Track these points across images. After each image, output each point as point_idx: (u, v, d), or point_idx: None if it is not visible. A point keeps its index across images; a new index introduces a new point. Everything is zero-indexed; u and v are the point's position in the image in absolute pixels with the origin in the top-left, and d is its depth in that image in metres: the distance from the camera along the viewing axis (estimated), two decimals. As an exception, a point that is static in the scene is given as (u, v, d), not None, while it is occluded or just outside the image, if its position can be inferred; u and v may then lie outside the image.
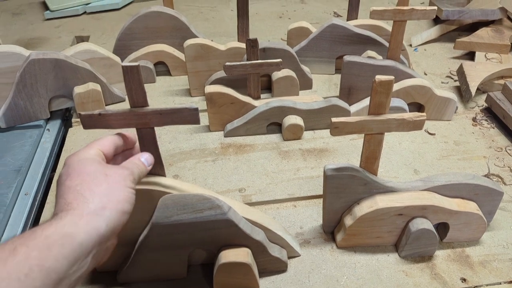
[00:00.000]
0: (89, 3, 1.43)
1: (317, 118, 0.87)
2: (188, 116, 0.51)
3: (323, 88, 1.03)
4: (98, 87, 0.90)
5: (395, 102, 0.86)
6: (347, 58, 0.87)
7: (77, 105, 0.89)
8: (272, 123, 0.87)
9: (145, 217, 0.57)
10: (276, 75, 0.93)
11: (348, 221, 0.63)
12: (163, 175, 0.58)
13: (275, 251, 0.61)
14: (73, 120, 0.95)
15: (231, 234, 0.57)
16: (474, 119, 0.91)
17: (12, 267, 0.35)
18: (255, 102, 0.87)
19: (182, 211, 0.55)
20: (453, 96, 0.88)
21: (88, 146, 0.50)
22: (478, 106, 0.95)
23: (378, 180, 0.62)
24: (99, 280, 0.62)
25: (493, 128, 0.89)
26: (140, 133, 0.53)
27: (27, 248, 0.36)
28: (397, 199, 0.61)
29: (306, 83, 0.99)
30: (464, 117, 0.92)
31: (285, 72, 0.93)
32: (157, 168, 0.57)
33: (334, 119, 0.56)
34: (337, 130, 0.57)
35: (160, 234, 0.56)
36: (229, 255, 0.57)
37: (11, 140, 0.87)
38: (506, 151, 0.83)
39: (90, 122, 0.50)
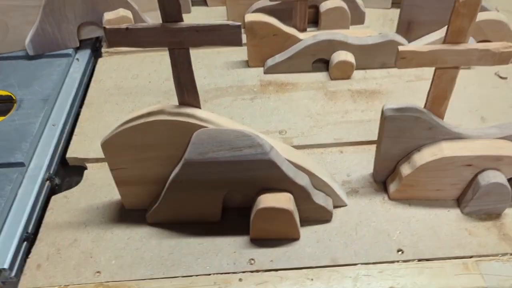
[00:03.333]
0: None
1: (370, 56, 0.77)
2: (228, 35, 0.43)
3: (377, 23, 0.91)
4: (129, 14, 0.83)
5: (463, 39, 0.74)
6: (410, -14, 0.75)
7: (107, 33, 0.83)
8: (319, 60, 0.78)
9: (177, 153, 0.51)
10: (325, 5, 0.82)
11: (405, 170, 0.55)
12: (198, 106, 0.52)
13: (319, 198, 0.54)
14: (103, 50, 0.88)
15: (272, 177, 0.51)
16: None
17: None
18: (300, 35, 0.77)
19: (218, 148, 0.49)
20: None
21: None
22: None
23: (445, 124, 0.53)
24: (127, 218, 0.58)
25: None
26: (173, 55, 0.46)
27: None
28: (467, 147, 0.52)
29: (358, 17, 0.88)
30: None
31: (336, 2, 0.82)
32: (191, 98, 0.50)
33: (401, 48, 0.47)
34: (404, 61, 0.48)
35: (193, 172, 0.51)
36: (269, 200, 0.51)
37: (39, 69, 0.82)
38: None
39: (116, 38, 0.43)
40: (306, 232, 0.55)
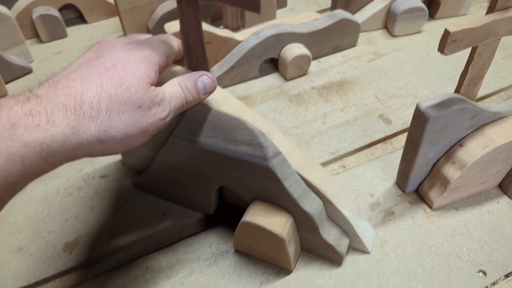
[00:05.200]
0: None
1: (322, 42, 0.64)
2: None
3: (300, 4, 0.79)
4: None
5: (410, 1, 0.67)
6: (345, -48, 0.64)
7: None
8: (263, 61, 0.63)
9: (174, 121, 0.39)
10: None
11: (452, 172, 0.44)
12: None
13: (330, 234, 0.41)
14: None
15: (271, 189, 0.39)
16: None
17: None
18: (237, 36, 0.61)
19: (211, 134, 0.38)
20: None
21: (142, 61, 0.33)
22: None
23: (484, 107, 0.44)
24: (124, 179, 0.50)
25: None
26: (180, 5, 0.34)
27: None
28: (514, 128, 0.44)
29: (279, 0, 0.75)
30: (479, 7, 0.76)
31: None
32: (199, 64, 0.38)
33: (452, 29, 0.35)
34: (455, 44, 0.36)
35: (181, 152, 0.41)
36: (259, 215, 0.39)
37: None
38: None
39: None
40: (304, 267, 0.42)
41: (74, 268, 0.43)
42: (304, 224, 0.40)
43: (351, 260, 0.43)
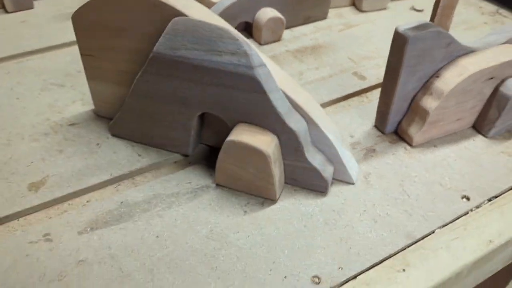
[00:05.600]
0: None
1: (294, 10, 0.66)
2: None
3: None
4: None
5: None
6: None
7: None
8: (237, 26, 0.64)
9: (150, 48, 0.39)
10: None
11: (430, 103, 0.45)
12: None
13: (315, 159, 0.40)
14: None
15: (255, 104, 0.37)
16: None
17: None
18: (212, -2, 0.62)
19: (193, 46, 0.36)
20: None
21: None
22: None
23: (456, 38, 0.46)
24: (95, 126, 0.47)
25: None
26: None
27: None
28: (485, 59, 0.45)
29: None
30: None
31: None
32: None
33: None
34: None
35: (160, 72, 0.39)
36: (242, 133, 0.38)
37: None
38: (499, 14, 0.75)
39: None
40: (290, 195, 0.40)
41: (41, 205, 0.40)
42: (289, 145, 0.39)
43: (336, 191, 0.42)
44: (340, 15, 0.72)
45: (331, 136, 0.41)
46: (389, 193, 0.42)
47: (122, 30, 0.41)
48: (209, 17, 0.39)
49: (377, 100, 0.49)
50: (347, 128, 0.50)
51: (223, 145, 0.39)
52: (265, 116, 0.38)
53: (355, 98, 0.55)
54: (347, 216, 0.40)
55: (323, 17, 0.70)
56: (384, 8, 0.74)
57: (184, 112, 0.41)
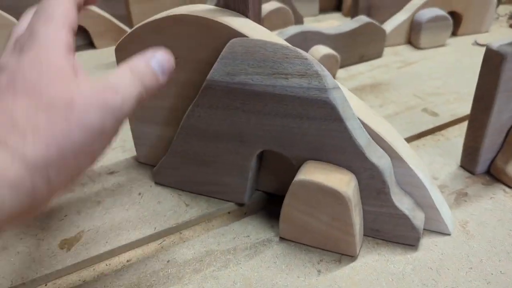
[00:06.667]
0: None
1: (348, 47, 0.61)
2: None
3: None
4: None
5: (434, 11, 0.65)
6: (364, -38, 0.63)
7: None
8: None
9: (202, 77, 0.34)
10: (264, 9, 0.65)
11: (534, 134, 0.37)
12: (247, 15, 0.35)
13: (402, 203, 0.33)
14: None
15: (328, 134, 0.31)
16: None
17: None
18: (260, 38, 0.58)
19: (254, 70, 0.31)
20: (491, -3, 0.71)
21: (53, 20, 0.23)
22: (501, 16, 0.80)
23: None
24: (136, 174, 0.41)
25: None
26: None
27: None
28: None
29: (296, 21, 0.73)
30: (499, 26, 0.75)
31: (274, 4, 0.66)
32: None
33: None
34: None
35: (216, 103, 0.33)
36: (314, 171, 0.31)
37: None
38: None
39: None
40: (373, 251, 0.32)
41: (73, 266, 0.33)
42: (370, 186, 0.32)
43: (429, 243, 0.34)
44: (396, 53, 0.66)
45: (421, 175, 0.33)
46: (498, 246, 0.34)
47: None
48: (271, 37, 0.34)
49: (457, 138, 0.42)
50: (428, 169, 0.42)
51: (290, 187, 0.32)
52: (341, 149, 0.31)
53: (429, 137, 0.48)
54: (449, 276, 0.31)
55: (379, 55, 0.65)
56: (443, 45, 0.68)
57: (241, 152, 0.35)
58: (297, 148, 0.33)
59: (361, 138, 0.31)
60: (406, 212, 0.32)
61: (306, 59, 0.30)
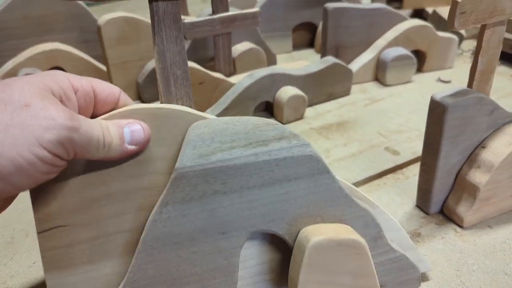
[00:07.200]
0: None
1: (317, 87, 0.63)
2: None
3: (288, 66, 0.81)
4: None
5: (398, 51, 0.68)
6: (330, 5, 0.66)
7: None
8: (258, 109, 0.61)
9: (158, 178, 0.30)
10: (236, 50, 0.68)
11: (479, 177, 0.40)
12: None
13: (395, 246, 0.34)
14: None
15: (318, 190, 0.31)
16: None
17: None
18: (231, 79, 0.60)
19: (230, 145, 0.29)
20: (453, 35, 0.74)
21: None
22: (464, 51, 0.83)
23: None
24: None
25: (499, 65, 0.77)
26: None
27: None
28: (536, 125, 0.41)
29: (269, 60, 0.76)
30: (462, 62, 0.79)
31: (247, 45, 0.69)
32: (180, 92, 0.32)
33: (461, 1, 0.34)
34: (464, 17, 0.35)
35: (191, 195, 0.29)
36: (319, 231, 0.30)
37: None
38: (532, 82, 0.71)
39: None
40: None
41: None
42: (367, 237, 0.32)
43: (381, 285, 0.36)
44: (364, 90, 0.69)
45: (397, 223, 0.35)
46: (445, 286, 0.35)
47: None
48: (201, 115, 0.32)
49: (415, 177, 0.44)
50: (385, 209, 0.44)
51: (303, 259, 0.30)
52: (333, 203, 0.31)
53: (390, 175, 0.50)
54: (398, 318, 0.33)
55: (346, 93, 0.67)
56: (409, 81, 0.71)
57: (224, 247, 0.31)
58: (289, 217, 0.31)
59: (345, 188, 0.32)
60: (403, 252, 0.34)
61: (276, 124, 0.31)
